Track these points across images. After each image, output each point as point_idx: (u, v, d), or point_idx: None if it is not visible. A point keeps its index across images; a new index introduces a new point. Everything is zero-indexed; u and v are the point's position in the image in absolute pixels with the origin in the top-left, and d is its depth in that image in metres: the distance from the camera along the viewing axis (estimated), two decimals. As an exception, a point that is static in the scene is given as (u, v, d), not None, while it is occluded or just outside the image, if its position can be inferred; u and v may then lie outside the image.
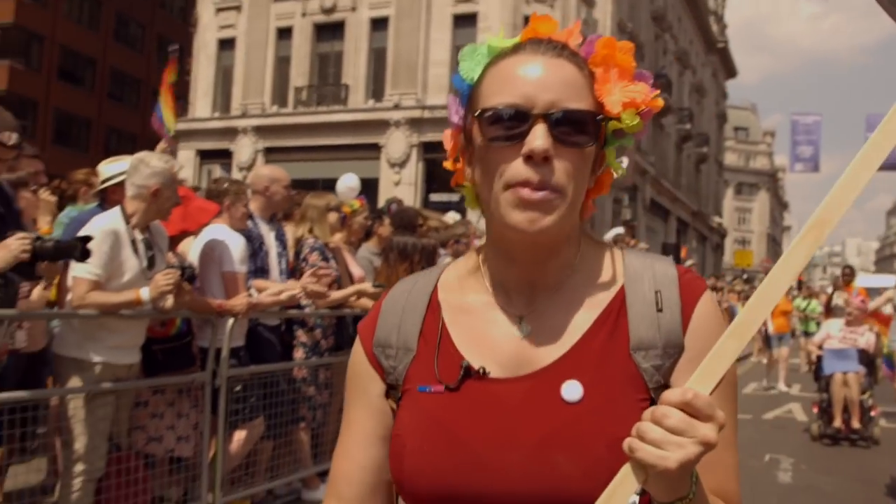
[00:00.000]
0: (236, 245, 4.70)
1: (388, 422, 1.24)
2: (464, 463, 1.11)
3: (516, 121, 1.11)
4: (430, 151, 28.25)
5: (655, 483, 0.96)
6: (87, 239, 3.59)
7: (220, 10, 33.70)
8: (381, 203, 9.82)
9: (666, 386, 1.13)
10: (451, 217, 11.80)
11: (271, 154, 31.00)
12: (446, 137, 1.27)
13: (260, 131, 31.52)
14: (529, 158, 1.10)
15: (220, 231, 4.72)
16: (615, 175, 1.26)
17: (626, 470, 0.96)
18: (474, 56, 1.23)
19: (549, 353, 1.16)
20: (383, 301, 1.30)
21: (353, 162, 27.47)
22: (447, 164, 1.29)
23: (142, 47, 45.34)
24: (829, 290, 14.46)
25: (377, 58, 30.17)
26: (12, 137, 3.70)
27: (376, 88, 30.07)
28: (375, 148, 29.06)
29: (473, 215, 20.32)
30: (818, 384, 10.33)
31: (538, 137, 1.09)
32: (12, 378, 4.08)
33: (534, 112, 1.11)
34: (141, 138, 44.03)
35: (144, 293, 3.88)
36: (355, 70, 30.48)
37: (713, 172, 56.81)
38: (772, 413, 12.00)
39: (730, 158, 74.48)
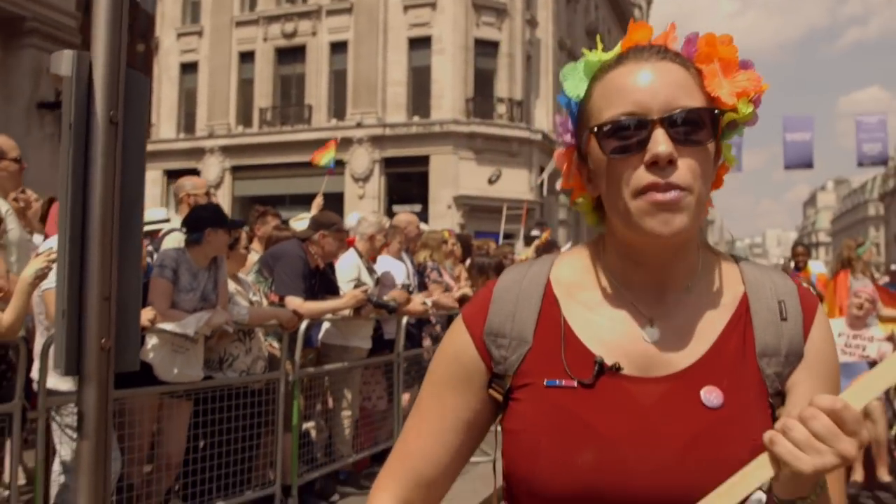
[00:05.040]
0: (399, 269, 6.98)
1: (484, 410, 1.24)
2: (608, 460, 1.10)
3: (635, 129, 1.10)
4: (392, 166, 30.09)
5: (783, 479, 0.98)
6: (395, 308, 6.01)
7: (181, 35, 34.76)
8: (347, 215, 10.42)
9: (782, 393, 1.17)
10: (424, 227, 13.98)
11: (239, 172, 32.25)
12: (559, 157, 1.28)
13: (227, 151, 32.47)
14: (654, 164, 1.08)
15: (388, 260, 6.99)
16: (729, 168, 1.26)
17: (762, 460, 0.98)
18: (575, 73, 1.24)
19: (684, 357, 1.16)
20: (494, 289, 1.27)
21: (318, 178, 28.74)
22: (563, 184, 1.30)
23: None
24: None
25: (338, 79, 31.51)
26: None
27: (338, 108, 31.40)
28: (340, 164, 30.49)
29: (439, 223, 22.31)
30: None
31: (660, 143, 1.08)
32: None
33: (650, 118, 1.10)
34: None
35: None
36: (317, 91, 31.77)
37: (642, 173, 59.84)
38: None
39: (655, 158, 77.49)
